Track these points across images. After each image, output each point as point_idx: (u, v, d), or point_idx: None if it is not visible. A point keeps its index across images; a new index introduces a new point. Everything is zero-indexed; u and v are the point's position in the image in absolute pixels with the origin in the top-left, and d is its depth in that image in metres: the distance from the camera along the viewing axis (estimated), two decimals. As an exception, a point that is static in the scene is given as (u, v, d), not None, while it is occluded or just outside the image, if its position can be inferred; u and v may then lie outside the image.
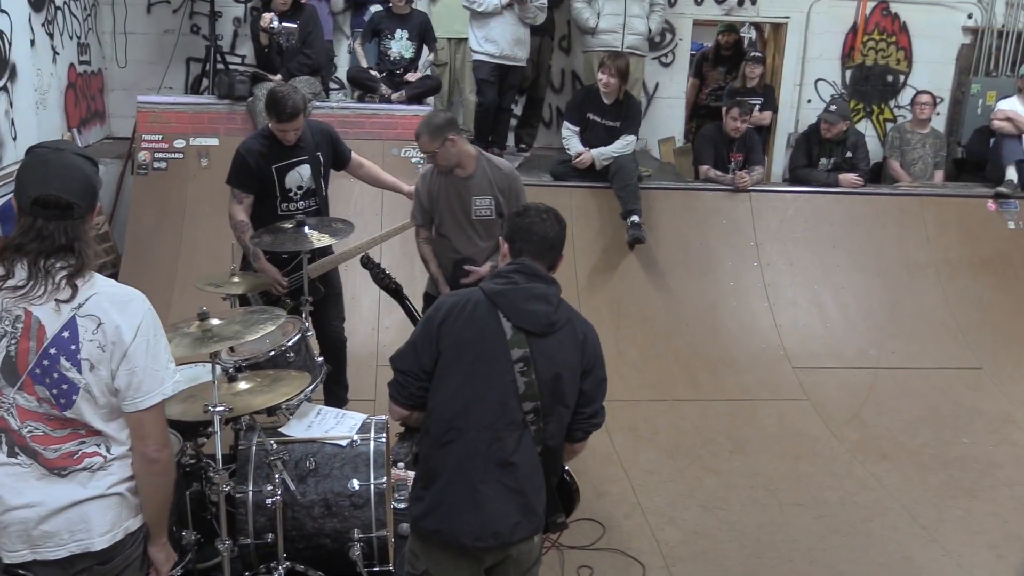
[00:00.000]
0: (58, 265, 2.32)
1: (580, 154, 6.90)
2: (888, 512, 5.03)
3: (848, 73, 8.87)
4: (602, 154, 6.85)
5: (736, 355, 6.63)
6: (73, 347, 2.31)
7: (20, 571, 2.39)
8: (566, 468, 3.14)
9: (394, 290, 4.60)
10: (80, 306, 2.32)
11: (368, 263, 4.64)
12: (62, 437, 2.37)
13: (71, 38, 7.38)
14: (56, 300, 2.31)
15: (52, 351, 2.31)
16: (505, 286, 2.81)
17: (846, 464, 5.55)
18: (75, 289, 2.32)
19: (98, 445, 2.41)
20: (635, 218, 6.71)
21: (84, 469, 2.39)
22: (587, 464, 5.01)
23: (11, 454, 2.37)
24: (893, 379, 6.51)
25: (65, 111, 7.17)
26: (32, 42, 6.48)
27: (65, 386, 2.33)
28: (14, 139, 6.11)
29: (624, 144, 6.88)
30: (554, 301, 2.83)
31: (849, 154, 7.60)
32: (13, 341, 2.32)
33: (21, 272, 2.31)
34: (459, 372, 2.77)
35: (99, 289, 2.38)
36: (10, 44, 6.08)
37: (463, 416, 2.75)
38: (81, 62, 7.61)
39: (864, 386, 6.44)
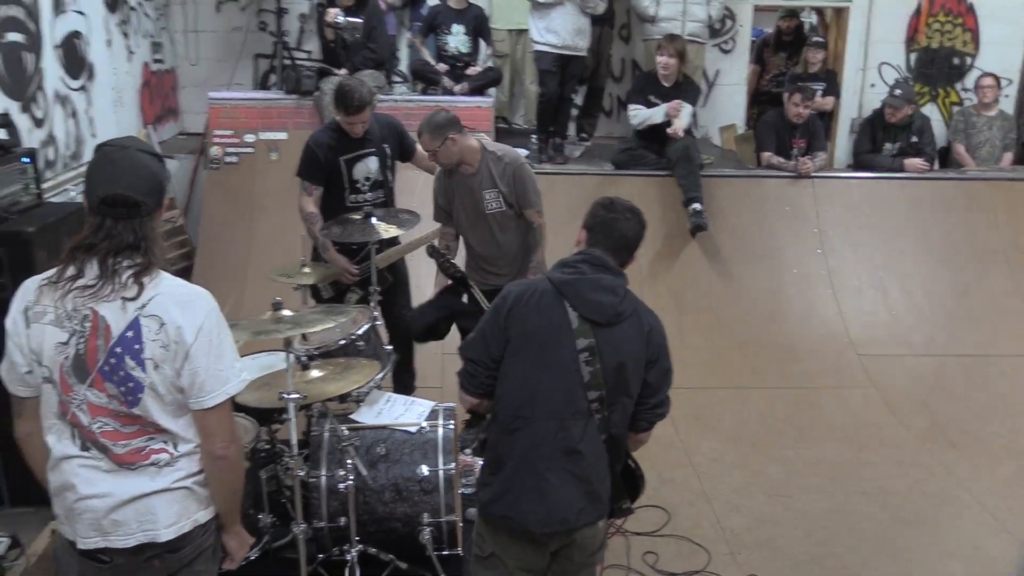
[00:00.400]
0: (125, 263, 2.32)
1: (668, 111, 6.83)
2: (956, 501, 4.90)
3: (913, 56, 8.61)
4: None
5: (799, 343, 6.51)
6: (137, 346, 2.32)
7: (99, 555, 2.43)
8: (631, 455, 3.10)
9: (459, 278, 4.59)
10: (144, 306, 2.31)
11: (434, 252, 4.64)
12: (131, 433, 2.39)
13: (145, 37, 7.49)
14: (122, 298, 2.30)
15: (118, 350, 2.32)
16: (572, 275, 2.79)
17: (913, 453, 5.42)
18: (141, 287, 2.31)
19: (165, 442, 2.42)
20: (697, 205, 6.63)
21: (151, 464, 2.41)
22: (651, 451, 4.91)
23: (83, 448, 2.40)
24: (961, 367, 6.33)
25: (141, 108, 7.30)
26: (108, 42, 6.59)
27: (131, 384, 2.33)
28: (93, 136, 6.24)
29: (688, 112, 6.87)
30: (620, 292, 2.80)
31: (914, 138, 7.40)
32: (82, 340, 2.32)
33: (91, 271, 2.32)
34: (526, 361, 2.76)
35: (163, 289, 2.36)
36: (88, 45, 6.21)
37: (530, 404, 2.74)
38: (155, 60, 7.72)
39: (931, 374, 6.29)
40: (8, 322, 2.39)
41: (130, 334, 2.31)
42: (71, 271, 2.33)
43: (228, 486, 2.54)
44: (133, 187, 2.33)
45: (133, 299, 2.30)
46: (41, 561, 4.18)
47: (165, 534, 2.42)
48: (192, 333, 2.34)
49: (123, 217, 2.33)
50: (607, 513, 2.91)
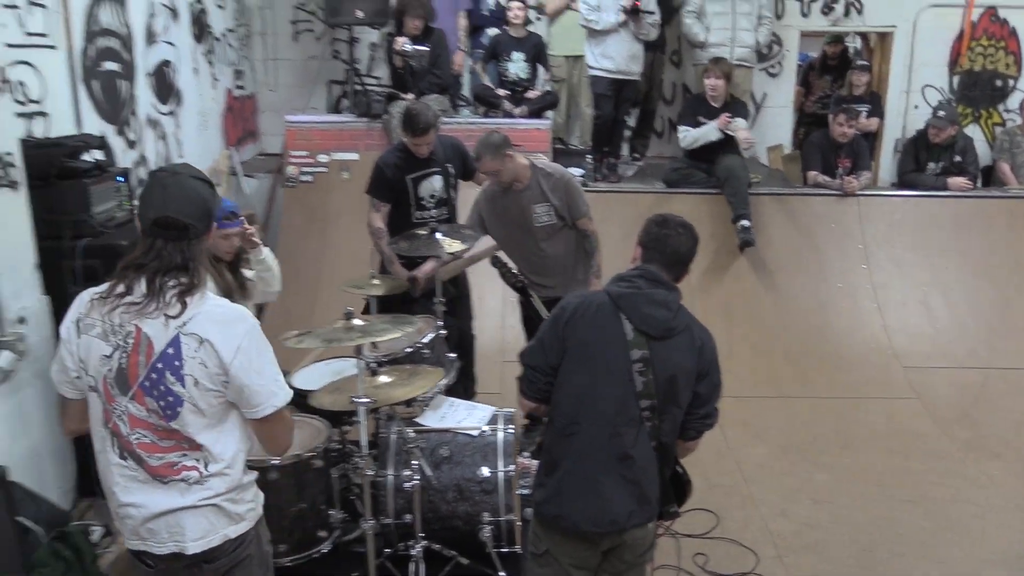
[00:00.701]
0: (171, 283, 2.33)
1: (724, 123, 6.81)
2: (1000, 510, 4.78)
3: (955, 79, 8.45)
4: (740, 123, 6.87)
5: (845, 354, 6.41)
6: (177, 363, 2.32)
7: (142, 556, 2.48)
8: (679, 462, 3.09)
9: (521, 288, 4.61)
10: (184, 324, 2.32)
11: (497, 263, 4.66)
12: (166, 448, 2.39)
13: (228, 66, 7.63)
14: (165, 316, 2.31)
15: (159, 366, 2.32)
16: (628, 290, 2.80)
17: (957, 462, 5.30)
18: (184, 306, 2.32)
19: (197, 460, 2.41)
20: (745, 222, 6.58)
21: (182, 480, 2.41)
22: (701, 457, 4.86)
23: (121, 456, 2.42)
24: (1004, 379, 6.19)
25: (224, 131, 7.43)
26: (195, 70, 6.74)
27: (171, 398, 2.33)
28: (180, 157, 6.37)
29: (743, 123, 6.86)
30: (674, 307, 2.80)
31: (958, 158, 7.26)
32: (124, 355, 2.33)
33: (139, 289, 2.33)
34: (582, 369, 2.77)
35: (205, 308, 2.36)
36: (177, 73, 6.36)
37: (585, 411, 2.75)
38: (237, 87, 7.87)
39: (975, 386, 6.15)
40: (63, 329, 2.44)
41: (171, 351, 2.32)
42: (121, 288, 2.35)
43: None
44: (183, 211, 2.35)
45: (175, 317, 2.31)
46: (131, 550, 4.29)
47: (192, 547, 2.43)
48: (230, 352, 2.34)
49: (173, 239, 2.35)
50: (656, 515, 2.91)
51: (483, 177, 5.20)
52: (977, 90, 8.44)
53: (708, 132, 6.82)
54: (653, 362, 2.74)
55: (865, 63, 8.28)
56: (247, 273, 4.23)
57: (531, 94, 7.34)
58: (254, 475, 2.60)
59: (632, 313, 2.75)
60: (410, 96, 6.82)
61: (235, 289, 4.06)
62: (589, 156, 7.36)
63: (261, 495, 2.66)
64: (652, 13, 7.04)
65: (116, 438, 2.41)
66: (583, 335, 2.78)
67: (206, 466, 2.42)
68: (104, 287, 2.39)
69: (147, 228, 2.37)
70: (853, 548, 4.43)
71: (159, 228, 2.35)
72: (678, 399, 2.79)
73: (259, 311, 6.52)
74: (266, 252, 4.21)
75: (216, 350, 2.33)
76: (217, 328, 2.35)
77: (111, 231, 4.46)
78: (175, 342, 2.32)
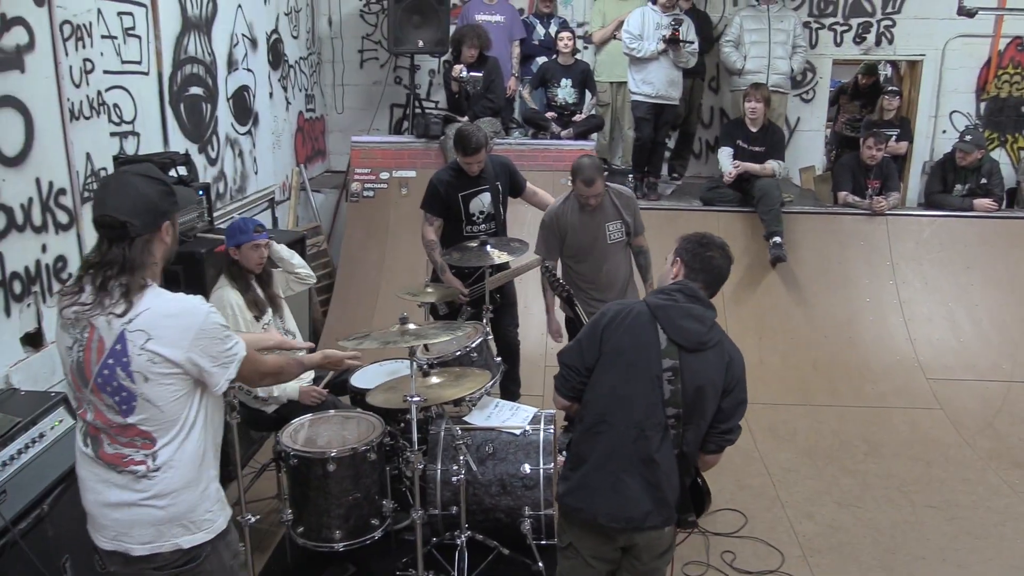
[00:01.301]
0: (113, 282, 2.20)
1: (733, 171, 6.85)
2: (1021, 518, 4.62)
3: (982, 105, 8.24)
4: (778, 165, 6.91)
5: (872, 365, 6.27)
6: (125, 359, 2.20)
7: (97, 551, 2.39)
8: (700, 474, 3.03)
9: (566, 297, 4.58)
10: (131, 321, 2.19)
11: (546, 272, 4.59)
12: (123, 441, 2.28)
13: (300, 90, 7.77)
14: (112, 314, 2.19)
15: (110, 362, 2.21)
16: (666, 301, 2.77)
17: (979, 471, 5.14)
18: (129, 304, 2.19)
19: (146, 455, 2.27)
20: (777, 239, 6.49)
21: (130, 473, 2.28)
22: (731, 460, 4.86)
23: (84, 442, 2.34)
24: (1026, 392, 6.00)
25: (295, 150, 7.56)
26: (271, 94, 6.87)
27: (124, 394, 2.23)
28: (256, 173, 6.50)
29: (780, 166, 6.91)
30: (708, 323, 2.76)
31: (984, 180, 7.06)
32: (81, 349, 2.24)
33: (88, 287, 2.23)
34: (615, 372, 2.74)
35: (154, 303, 2.22)
36: (254, 97, 6.48)
37: (614, 411, 2.73)
38: (307, 110, 8.00)
39: (997, 398, 5.96)
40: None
41: (119, 347, 2.20)
42: (76, 287, 2.27)
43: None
44: (119, 209, 2.20)
45: (121, 315, 2.19)
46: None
47: (138, 549, 2.31)
48: (180, 346, 2.22)
49: (113, 238, 2.22)
50: (673, 520, 2.85)
51: (531, 194, 5.20)
52: (1003, 116, 8.22)
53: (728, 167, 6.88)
54: (682, 372, 2.70)
55: (896, 89, 8.12)
56: (279, 290, 4.31)
57: (577, 117, 7.34)
58: (217, 487, 2.46)
59: (668, 324, 2.72)
60: (465, 119, 6.86)
61: (264, 302, 4.13)
62: (630, 175, 7.31)
63: (228, 510, 2.51)
64: (691, 43, 7.00)
65: (84, 424, 2.34)
66: (619, 340, 2.75)
67: (154, 461, 2.28)
68: (70, 282, 2.33)
69: (95, 227, 2.27)
70: (876, 550, 4.32)
71: (98, 227, 2.24)
72: (704, 411, 2.75)
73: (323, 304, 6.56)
74: (277, 246, 4.28)
75: (164, 345, 2.21)
76: (166, 323, 2.22)
77: (191, 240, 4.56)
78: (121, 339, 2.20)
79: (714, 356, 2.74)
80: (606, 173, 4.95)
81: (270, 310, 4.19)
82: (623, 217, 4.75)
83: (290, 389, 4.13)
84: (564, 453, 4.52)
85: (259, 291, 4.17)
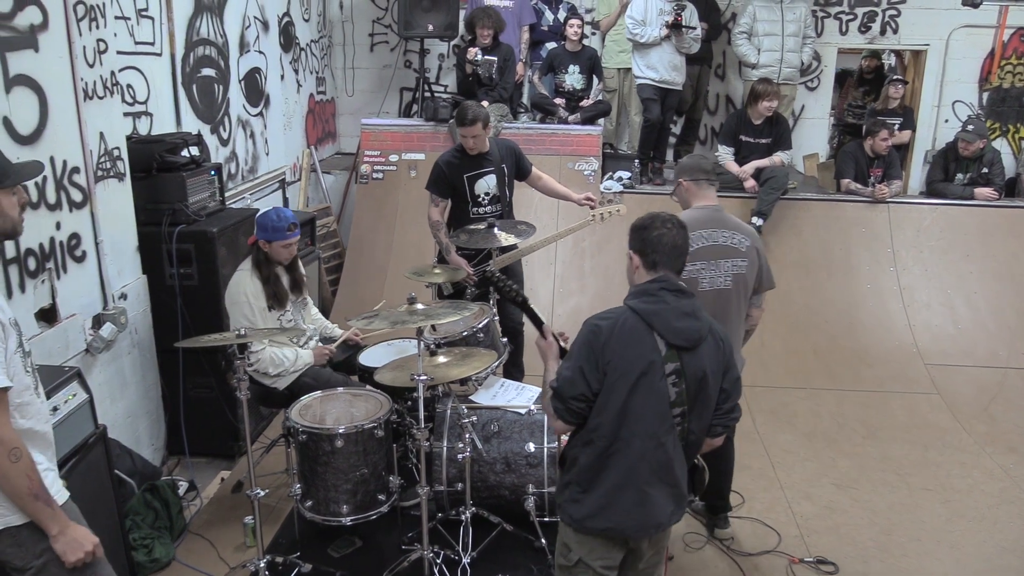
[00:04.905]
0: None
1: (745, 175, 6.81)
2: (1015, 502, 4.61)
3: (985, 95, 8.16)
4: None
5: (871, 350, 6.25)
6: None
7: None
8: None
9: (520, 301, 4.39)
10: None
11: (495, 279, 4.40)
12: None
13: (311, 73, 7.73)
14: None
15: None
16: (657, 305, 2.59)
17: (974, 455, 5.13)
18: None
19: None
20: (760, 221, 6.48)
21: None
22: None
23: None
24: (1022, 378, 5.97)
25: (306, 132, 7.53)
26: (282, 76, 6.83)
27: None
28: (267, 154, 6.48)
29: (787, 156, 6.87)
30: (701, 316, 2.64)
31: (985, 170, 7.00)
32: None
33: None
34: (622, 389, 2.57)
35: None
36: (266, 79, 6.44)
37: (628, 427, 2.58)
38: (318, 92, 7.96)
39: (993, 384, 5.94)
40: None
41: None
42: None
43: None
44: None
45: None
46: (212, 503, 4.37)
47: None
48: None
49: None
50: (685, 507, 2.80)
51: (536, 179, 5.13)
52: (1005, 106, 8.14)
53: (733, 169, 6.86)
54: (684, 371, 2.59)
55: (901, 78, 8.04)
56: (303, 270, 4.32)
57: (585, 103, 7.29)
58: None
59: (665, 330, 2.57)
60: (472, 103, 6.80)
61: (285, 295, 4.15)
62: (636, 160, 7.27)
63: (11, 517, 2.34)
64: (693, 28, 6.93)
65: None
66: (620, 356, 2.57)
67: None
68: None
69: None
70: (872, 531, 4.32)
71: None
72: (708, 399, 2.66)
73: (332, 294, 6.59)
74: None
75: None
76: None
77: (203, 219, 4.55)
78: None
79: (710, 345, 2.65)
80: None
81: (291, 304, 4.19)
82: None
83: (304, 355, 4.14)
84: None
85: (283, 281, 4.16)
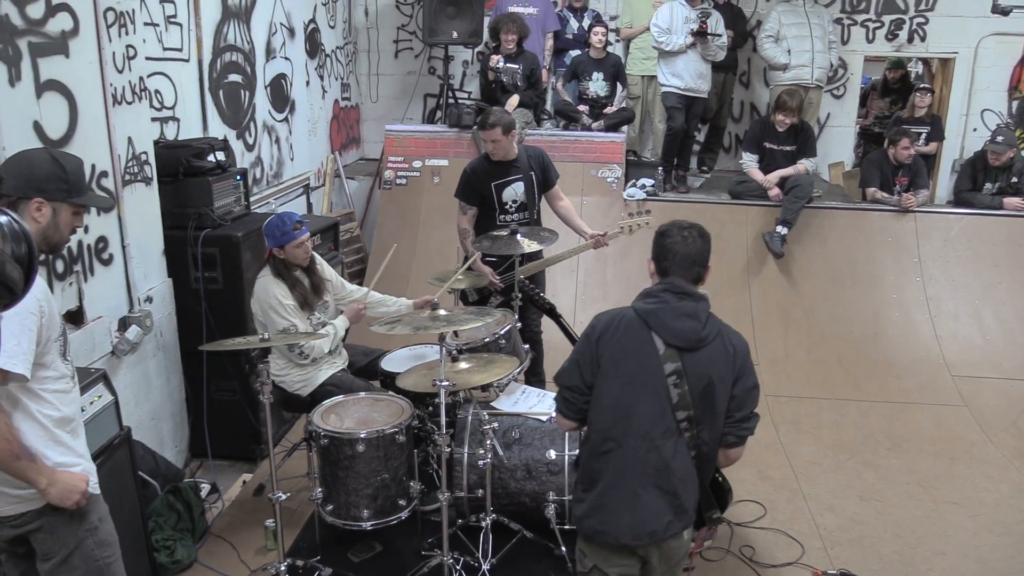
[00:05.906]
0: None
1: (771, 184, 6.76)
2: (1045, 517, 4.53)
3: (1014, 103, 8.05)
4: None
5: (896, 361, 6.16)
6: None
7: None
8: (719, 470, 2.93)
9: (548, 309, 4.41)
10: None
11: (528, 288, 4.37)
12: None
13: (336, 79, 7.77)
14: None
15: None
16: (655, 305, 2.63)
17: (1002, 469, 5.04)
18: None
19: None
20: (784, 230, 6.43)
21: None
22: (753, 451, 4.80)
23: None
24: (1053, 392, 5.86)
25: (330, 137, 7.57)
26: (307, 83, 6.88)
27: None
28: (292, 160, 6.52)
29: (812, 163, 6.84)
30: (703, 317, 2.62)
31: (1014, 179, 6.90)
32: None
33: None
34: (615, 386, 2.61)
35: None
36: (291, 84, 6.49)
37: (620, 426, 2.60)
38: (343, 98, 8.00)
39: (1021, 397, 5.82)
40: None
41: None
42: None
43: None
44: (6, 166, 2.33)
45: None
46: (234, 505, 4.39)
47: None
48: None
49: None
50: (692, 523, 2.75)
51: (554, 196, 5.11)
52: (1034, 114, 8.04)
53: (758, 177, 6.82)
54: (687, 373, 2.58)
55: (928, 86, 7.95)
56: (325, 273, 4.31)
57: (608, 110, 7.27)
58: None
59: (661, 328, 2.59)
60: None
61: (313, 298, 4.15)
62: (660, 168, 7.25)
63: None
64: (719, 36, 6.90)
65: None
66: (615, 352, 2.62)
67: None
68: None
69: None
70: (897, 544, 4.25)
71: None
72: (716, 407, 2.63)
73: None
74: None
75: None
76: None
77: (228, 223, 4.58)
78: None
79: (716, 349, 2.62)
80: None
81: (318, 307, 4.20)
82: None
83: (339, 323, 4.20)
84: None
85: (307, 284, 4.16)
